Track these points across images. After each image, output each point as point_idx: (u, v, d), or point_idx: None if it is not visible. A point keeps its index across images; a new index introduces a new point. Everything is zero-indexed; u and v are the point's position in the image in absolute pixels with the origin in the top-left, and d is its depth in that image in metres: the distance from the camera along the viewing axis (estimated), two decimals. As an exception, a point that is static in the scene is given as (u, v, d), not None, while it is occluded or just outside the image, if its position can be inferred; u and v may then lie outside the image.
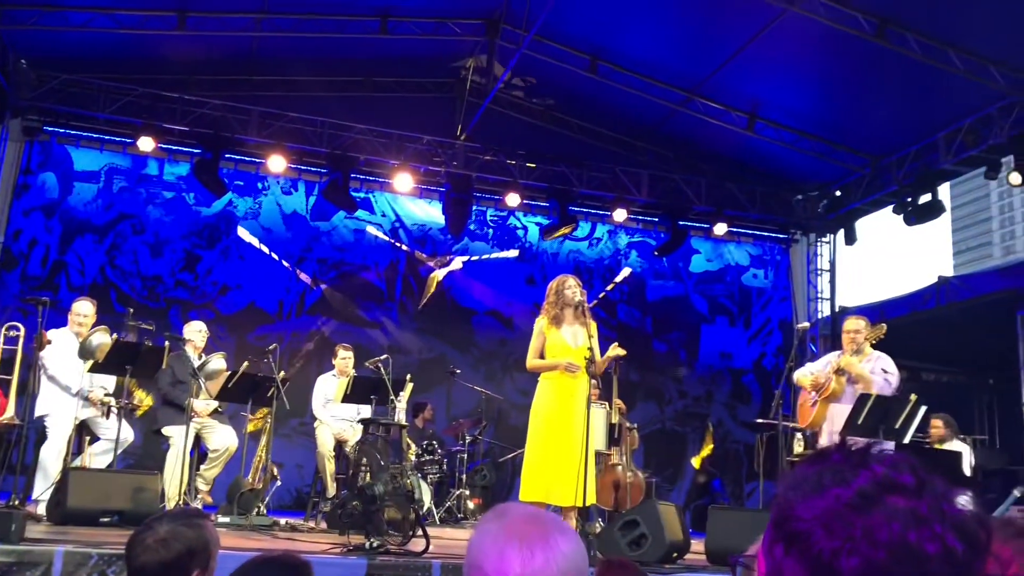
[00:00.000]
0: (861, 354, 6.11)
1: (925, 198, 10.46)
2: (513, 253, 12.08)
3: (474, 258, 11.90)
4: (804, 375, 6.38)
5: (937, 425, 8.02)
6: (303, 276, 11.18)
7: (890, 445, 5.48)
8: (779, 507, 0.90)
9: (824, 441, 6.19)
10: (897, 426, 5.81)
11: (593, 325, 5.81)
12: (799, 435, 7.09)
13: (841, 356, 6.20)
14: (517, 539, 1.27)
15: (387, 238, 11.61)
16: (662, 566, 4.86)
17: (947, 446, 7.93)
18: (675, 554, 5.16)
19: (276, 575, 1.79)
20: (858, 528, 0.83)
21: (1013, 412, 10.25)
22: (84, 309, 6.68)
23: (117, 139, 10.64)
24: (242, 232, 11.03)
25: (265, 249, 11.10)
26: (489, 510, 1.38)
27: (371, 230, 11.55)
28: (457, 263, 11.80)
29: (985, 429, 11.73)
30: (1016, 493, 8.04)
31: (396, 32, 10.29)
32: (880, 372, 6.04)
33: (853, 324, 6.22)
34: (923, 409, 6.02)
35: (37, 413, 6.40)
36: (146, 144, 10.06)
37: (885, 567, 0.82)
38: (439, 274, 11.70)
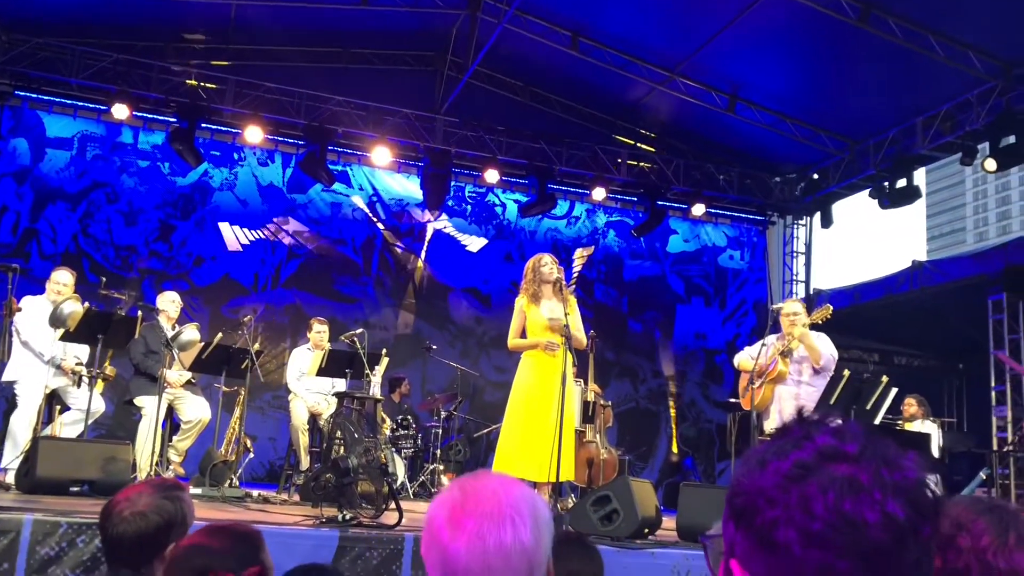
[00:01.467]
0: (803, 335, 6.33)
1: (901, 183, 10.55)
2: (481, 241, 12.00)
3: (446, 228, 11.81)
4: (746, 359, 6.56)
5: (911, 403, 8.13)
6: (285, 239, 11.08)
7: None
8: (730, 484, 0.91)
9: (774, 422, 6.32)
10: (868, 407, 5.89)
11: (572, 301, 5.89)
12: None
13: (781, 339, 6.35)
14: (474, 517, 1.26)
15: (367, 210, 11.54)
16: (633, 541, 4.89)
17: (917, 426, 8.04)
18: (646, 530, 5.20)
19: (225, 544, 1.77)
20: (794, 498, 0.83)
21: (981, 396, 10.40)
22: (63, 278, 6.59)
23: (91, 106, 10.46)
24: (224, 227, 10.90)
25: (245, 240, 10.97)
26: (459, 477, 1.37)
27: (355, 200, 11.47)
28: (429, 230, 11.73)
29: (954, 412, 11.91)
30: (982, 475, 8.18)
31: (376, 3, 10.17)
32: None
33: (791, 307, 6.42)
34: (894, 391, 6.12)
35: (6, 378, 6.33)
36: (120, 112, 9.90)
37: (822, 536, 0.81)
38: (420, 262, 11.64)
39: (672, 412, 12.31)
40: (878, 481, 0.82)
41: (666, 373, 12.44)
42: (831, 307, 6.32)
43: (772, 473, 0.86)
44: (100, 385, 6.67)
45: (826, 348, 6.28)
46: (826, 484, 0.82)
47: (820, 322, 6.31)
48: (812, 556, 0.81)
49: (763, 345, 6.45)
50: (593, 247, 12.28)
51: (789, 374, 6.32)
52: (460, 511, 1.26)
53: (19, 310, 6.19)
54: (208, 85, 10.38)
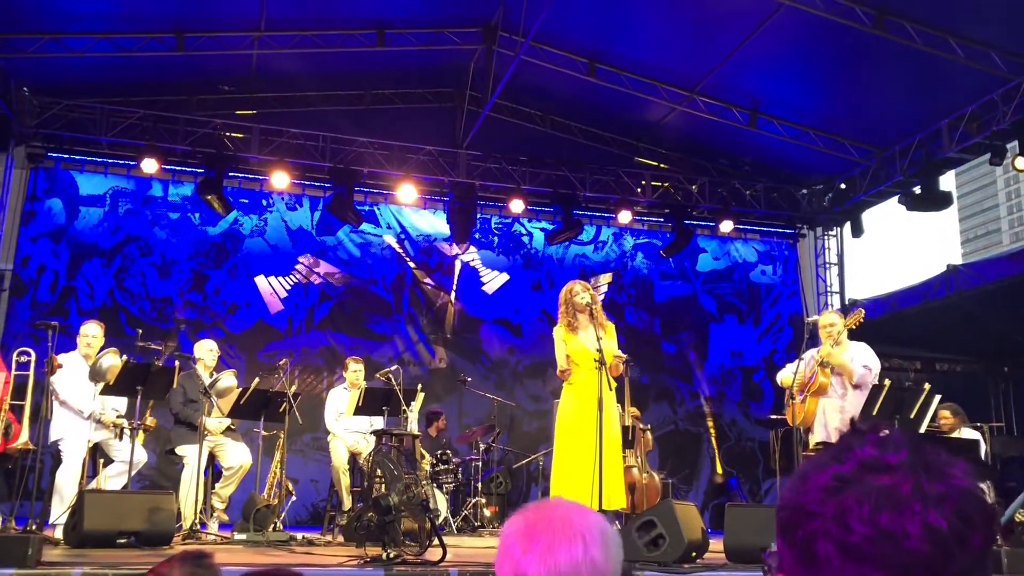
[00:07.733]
0: (840, 346, 6.26)
1: (931, 188, 10.42)
2: (503, 278, 12.01)
3: (473, 262, 11.85)
4: (787, 375, 6.52)
5: (946, 416, 7.91)
6: (316, 279, 11.19)
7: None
8: (778, 500, 0.92)
9: (819, 435, 6.22)
10: (912, 416, 5.78)
11: (610, 327, 5.96)
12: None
13: (820, 351, 6.27)
14: (547, 533, 1.30)
15: (399, 248, 11.61)
16: (681, 566, 4.82)
17: (959, 435, 7.86)
18: (694, 553, 5.13)
19: None
20: (830, 511, 0.82)
21: (1029, 398, 10.17)
22: (91, 331, 6.70)
23: (121, 162, 10.67)
24: (260, 282, 11.02)
25: (283, 291, 11.08)
26: (529, 504, 1.42)
27: (387, 239, 11.56)
28: (457, 265, 11.77)
29: (1002, 416, 11.65)
30: (1036, 479, 7.95)
31: (393, 44, 10.31)
32: (859, 361, 6.18)
33: (828, 319, 6.36)
34: (937, 398, 6.01)
35: (51, 438, 6.41)
36: (149, 166, 10.08)
37: (859, 549, 0.79)
38: (452, 297, 11.69)
39: (712, 432, 12.17)
40: (918, 492, 0.81)
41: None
42: (863, 311, 6.24)
43: (812, 487, 0.85)
44: (142, 436, 6.74)
45: (861, 360, 6.17)
46: (862, 496, 0.81)
47: (854, 327, 6.23)
48: (850, 569, 0.80)
49: (800, 360, 6.39)
50: (611, 274, 12.23)
51: (831, 385, 6.23)
52: (533, 528, 1.32)
53: (60, 367, 6.29)
54: (233, 134, 10.56)
